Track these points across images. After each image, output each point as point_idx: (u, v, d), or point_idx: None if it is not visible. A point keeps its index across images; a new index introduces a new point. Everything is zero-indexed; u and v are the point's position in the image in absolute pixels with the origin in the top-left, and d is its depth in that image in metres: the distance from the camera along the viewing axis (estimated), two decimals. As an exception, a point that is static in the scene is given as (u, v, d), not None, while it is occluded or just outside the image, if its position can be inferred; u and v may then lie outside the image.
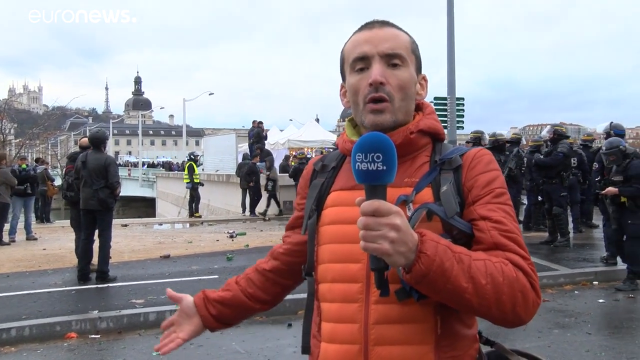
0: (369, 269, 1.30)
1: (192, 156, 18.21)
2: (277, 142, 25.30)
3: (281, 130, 30.25)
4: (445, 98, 17.02)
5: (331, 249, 1.39)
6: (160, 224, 16.62)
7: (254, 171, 16.48)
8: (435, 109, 15.90)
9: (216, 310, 1.61)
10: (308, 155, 17.16)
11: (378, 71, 1.34)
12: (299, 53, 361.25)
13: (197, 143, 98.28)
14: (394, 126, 1.37)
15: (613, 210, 7.49)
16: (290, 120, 48.59)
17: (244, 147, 23.57)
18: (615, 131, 9.55)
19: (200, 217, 17.76)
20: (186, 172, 17.55)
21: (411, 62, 1.40)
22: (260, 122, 20.42)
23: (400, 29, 1.43)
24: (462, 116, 17.50)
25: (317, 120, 35.78)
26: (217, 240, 11.94)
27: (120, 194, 8.59)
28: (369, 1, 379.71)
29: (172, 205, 32.21)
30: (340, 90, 1.53)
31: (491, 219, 1.27)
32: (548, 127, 10.67)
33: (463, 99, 17.61)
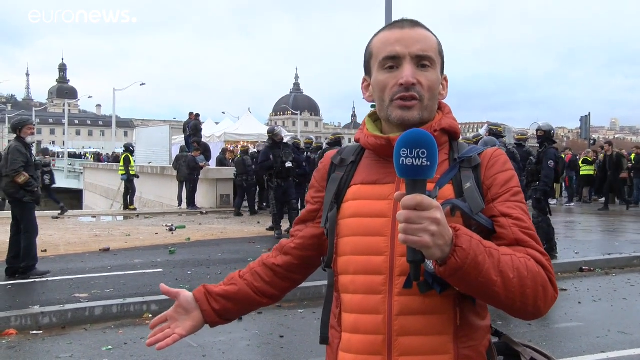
0: (392, 261, 1.35)
1: (129, 147, 17.73)
2: (212, 135, 24.94)
3: (216, 123, 29.83)
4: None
5: (353, 242, 1.41)
6: (94, 217, 16.08)
7: (197, 164, 16.38)
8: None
9: (219, 305, 1.58)
10: (252, 150, 17.02)
11: (410, 72, 1.38)
12: (230, 44, 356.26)
13: (125, 134, 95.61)
14: (419, 124, 1.41)
15: None
16: (223, 113, 48.00)
17: (178, 139, 23.12)
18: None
19: (135, 209, 17.31)
20: (122, 163, 17.03)
21: (438, 63, 1.44)
22: (197, 115, 20.07)
23: (429, 30, 1.46)
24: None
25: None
26: (157, 234, 11.71)
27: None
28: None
29: (102, 197, 31.25)
30: (363, 83, 1.55)
31: (511, 216, 1.34)
32: (486, 125, 11.04)
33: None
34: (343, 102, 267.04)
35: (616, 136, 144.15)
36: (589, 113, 22.20)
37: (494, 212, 1.35)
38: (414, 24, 1.45)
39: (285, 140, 11.97)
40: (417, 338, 1.33)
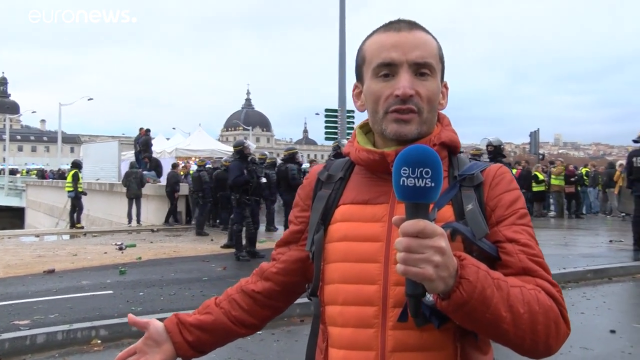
0: (385, 290, 1.21)
1: (78, 164, 17.18)
2: (163, 151, 24.46)
3: (167, 139, 29.32)
4: (336, 110, 17.37)
5: (342, 268, 1.27)
6: (38, 236, 15.39)
7: (178, 181, 16.08)
8: (326, 120, 15.93)
9: (193, 336, 1.42)
10: (207, 164, 16.69)
11: (407, 82, 1.23)
12: (182, 61, 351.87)
13: (72, 150, 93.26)
14: (416, 138, 1.27)
15: None
16: (174, 128, 47.45)
17: (128, 155, 22.62)
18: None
19: (82, 227, 16.69)
20: (69, 179, 16.45)
21: (438, 70, 1.30)
22: (148, 130, 19.69)
23: (428, 32, 1.32)
24: (352, 128, 17.89)
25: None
26: (105, 253, 11.25)
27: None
28: (258, 10, 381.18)
29: (46, 215, 30.24)
30: (354, 90, 1.40)
31: (518, 242, 1.20)
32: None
33: (353, 111, 18.04)
34: (295, 117, 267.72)
35: (560, 151, 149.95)
36: (538, 129, 22.74)
37: (498, 237, 1.21)
38: (412, 25, 1.30)
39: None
40: None
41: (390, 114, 1.25)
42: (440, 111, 1.37)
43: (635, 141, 10.89)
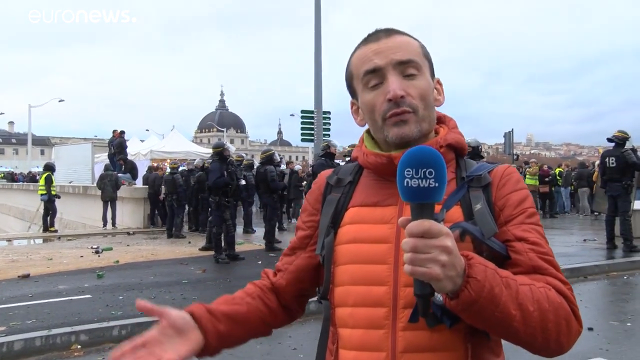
0: (395, 292, 1.22)
1: (51, 166, 16.89)
2: (138, 153, 24.16)
3: (142, 141, 28.99)
4: (312, 111, 17.37)
5: (352, 270, 1.27)
6: (9, 240, 15.07)
7: (160, 183, 15.80)
8: (303, 122, 15.81)
9: (226, 327, 1.30)
10: (181, 167, 16.50)
11: (396, 84, 1.24)
12: (157, 62, 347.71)
13: (42, 152, 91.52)
14: (419, 137, 1.28)
15: None
16: (147, 130, 47.02)
17: (101, 157, 22.33)
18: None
19: (56, 231, 16.40)
20: (42, 183, 16.17)
21: (426, 67, 1.32)
22: (122, 132, 19.43)
23: (407, 35, 1.34)
24: (329, 129, 17.94)
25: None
26: (82, 257, 11.05)
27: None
28: (232, 12, 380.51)
29: (16, 219, 29.65)
30: (352, 108, 1.42)
31: (528, 241, 1.21)
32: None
33: (329, 112, 18.06)
34: (269, 118, 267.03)
35: (532, 151, 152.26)
36: (512, 129, 22.91)
37: (507, 236, 1.22)
38: (389, 32, 1.32)
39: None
40: None
41: (388, 119, 1.26)
42: (442, 111, 1.39)
43: (609, 140, 11.06)
